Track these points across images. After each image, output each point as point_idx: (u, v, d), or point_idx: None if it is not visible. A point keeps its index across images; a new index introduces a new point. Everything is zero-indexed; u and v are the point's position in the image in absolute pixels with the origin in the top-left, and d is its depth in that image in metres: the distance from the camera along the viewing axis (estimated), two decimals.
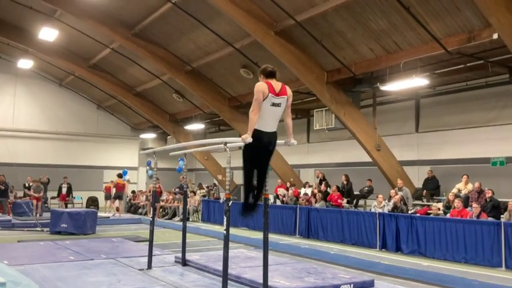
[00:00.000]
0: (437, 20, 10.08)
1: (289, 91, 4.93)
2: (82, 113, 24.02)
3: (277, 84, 4.85)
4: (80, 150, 23.63)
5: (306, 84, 13.39)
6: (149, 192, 19.17)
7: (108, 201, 18.68)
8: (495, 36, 9.24)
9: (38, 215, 15.96)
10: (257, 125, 4.74)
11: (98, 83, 20.86)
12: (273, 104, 4.76)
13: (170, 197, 18.67)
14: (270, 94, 4.73)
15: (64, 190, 20.02)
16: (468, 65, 11.32)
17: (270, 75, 4.90)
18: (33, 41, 17.65)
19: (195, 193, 18.33)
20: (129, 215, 18.97)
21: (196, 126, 20.60)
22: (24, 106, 22.58)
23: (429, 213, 11.33)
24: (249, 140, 4.66)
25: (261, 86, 4.75)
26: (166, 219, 17.59)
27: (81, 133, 23.81)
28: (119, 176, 18.18)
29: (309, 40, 12.29)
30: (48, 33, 16.08)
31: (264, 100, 4.71)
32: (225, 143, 5.23)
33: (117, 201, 17.90)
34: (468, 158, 13.06)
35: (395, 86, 12.06)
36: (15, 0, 14.98)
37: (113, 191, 18.16)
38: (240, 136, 5.10)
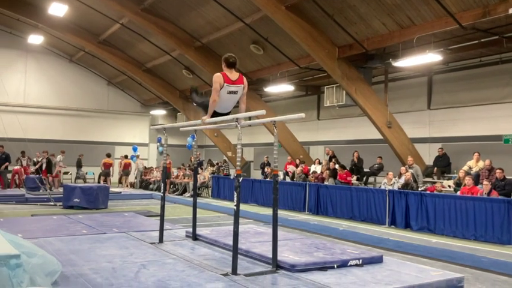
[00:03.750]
0: None
1: (245, 81, 5.53)
2: (93, 89, 24.11)
3: (234, 75, 5.41)
4: (90, 126, 23.82)
5: (317, 60, 13.25)
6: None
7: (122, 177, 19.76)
8: (511, 11, 9.02)
9: (52, 189, 16.19)
10: (217, 107, 5.44)
11: (108, 59, 20.84)
12: (230, 92, 5.39)
13: (181, 173, 18.85)
14: (225, 84, 5.31)
15: (44, 166, 17.86)
16: (482, 40, 11.13)
17: (230, 65, 5.43)
18: (43, 16, 17.60)
19: (203, 169, 18.50)
20: (140, 191, 19.23)
21: None
22: (35, 82, 22.70)
23: (440, 191, 11.29)
24: (208, 120, 5.47)
25: (217, 77, 5.34)
26: (176, 194, 17.78)
27: (92, 109, 23.94)
28: (108, 155, 19.47)
29: (320, 15, 12.10)
30: (57, 9, 16.01)
31: (221, 89, 5.31)
32: (237, 119, 5.24)
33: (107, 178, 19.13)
34: (480, 135, 12.94)
35: (407, 62, 11.88)
36: None
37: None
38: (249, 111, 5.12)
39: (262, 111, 5.30)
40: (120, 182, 20.57)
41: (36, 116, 22.28)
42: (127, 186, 20.00)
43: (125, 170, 19.91)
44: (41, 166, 17.91)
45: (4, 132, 15.50)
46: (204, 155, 25.23)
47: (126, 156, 20.43)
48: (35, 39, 20.03)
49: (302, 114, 5.15)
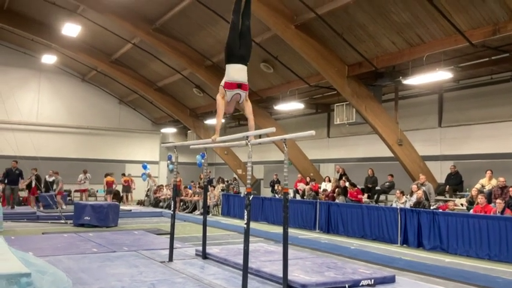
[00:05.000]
0: (461, 12, 9.87)
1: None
2: (104, 108, 24.39)
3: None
4: (102, 145, 24.02)
5: (326, 78, 13.29)
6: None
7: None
8: None
9: (62, 207, 16.24)
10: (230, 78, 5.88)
11: (120, 78, 21.12)
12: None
13: (190, 191, 18.85)
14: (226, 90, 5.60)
15: (33, 183, 16.83)
16: (493, 58, 11.09)
17: None
18: (56, 36, 17.94)
19: (214, 187, 18.50)
20: (151, 208, 19.25)
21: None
22: (48, 101, 23.03)
23: (453, 209, 11.14)
24: (219, 139, 5.57)
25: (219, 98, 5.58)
26: (186, 212, 17.75)
27: (103, 127, 24.18)
28: (107, 175, 19.62)
29: (330, 33, 12.19)
30: (71, 29, 16.31)
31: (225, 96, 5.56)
32: (247, 137, 5.27)
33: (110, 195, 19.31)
34: (492, 153, 12.81)
35: (417, 80, 11.87)
36: None
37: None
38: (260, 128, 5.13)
39: (272, 129, 5.33)
40: (121, 199, 20.61)
41: (49, 135, 22.54)
42: (129, 203, 19.97)
43: (126, 186, 20.03)
44: (30, 183, 16.88)
45: (17, 150, 15.70)
46: (214, 172, 25.24)
47: (124, 174, 20.59)
48: (49, 59, 20.38)
49: (312, 132, 5.16)
